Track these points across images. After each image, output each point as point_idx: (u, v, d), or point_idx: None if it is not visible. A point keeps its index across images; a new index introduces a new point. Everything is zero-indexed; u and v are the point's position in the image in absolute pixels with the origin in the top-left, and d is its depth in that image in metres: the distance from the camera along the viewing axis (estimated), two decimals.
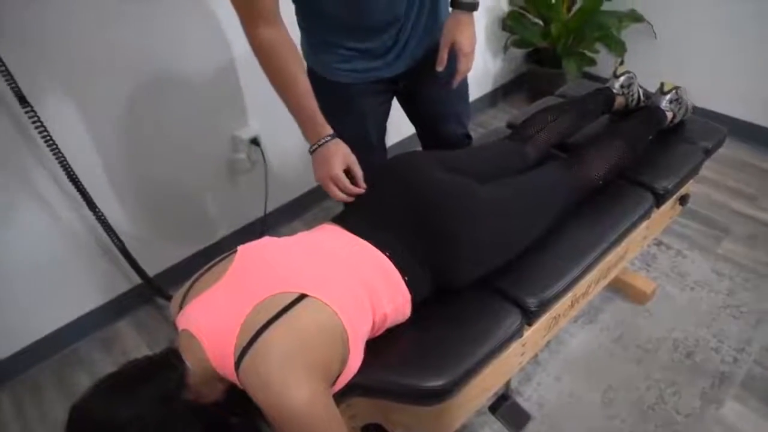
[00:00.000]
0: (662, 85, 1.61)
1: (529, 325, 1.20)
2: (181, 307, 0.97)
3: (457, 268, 1.14)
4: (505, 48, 2.98)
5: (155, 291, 1.97)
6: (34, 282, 1.73)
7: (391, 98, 1.52)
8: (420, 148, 1.67)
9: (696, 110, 1.69)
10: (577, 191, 1.35)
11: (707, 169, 1.95)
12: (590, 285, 1.38)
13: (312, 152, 1.22)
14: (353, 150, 1.23)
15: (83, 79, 1.58)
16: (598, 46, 2.80)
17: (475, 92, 2.85)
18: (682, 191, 1.61)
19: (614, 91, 1.62)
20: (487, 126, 2.95)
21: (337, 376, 0.92)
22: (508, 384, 1.50)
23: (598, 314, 1.86)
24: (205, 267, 1.02)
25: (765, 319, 1.79)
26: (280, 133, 2.04)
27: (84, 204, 1.66)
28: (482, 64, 2.93)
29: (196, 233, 2.11)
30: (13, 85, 1.40)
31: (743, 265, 1.99)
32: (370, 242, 1.08)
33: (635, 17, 2.64)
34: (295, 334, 0.86)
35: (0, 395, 1.78)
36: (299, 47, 1.25)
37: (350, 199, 1.21)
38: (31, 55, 1.46)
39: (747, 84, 2.51)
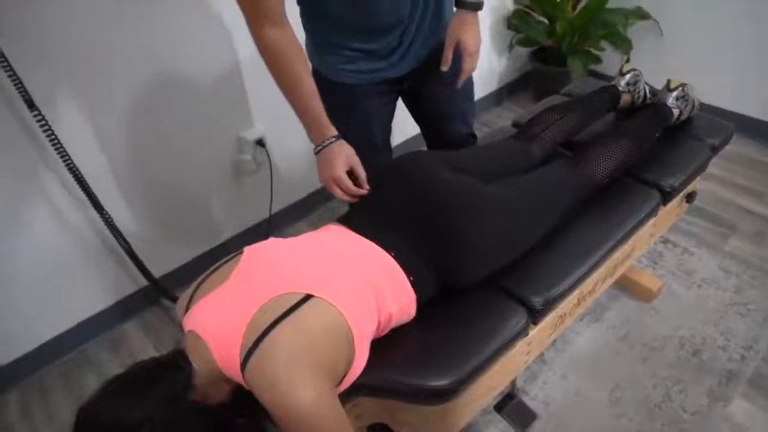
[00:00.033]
0: (668, 82, 1.60)
1: (535, 324, 1.20)
2: (187, 309, 0.98)
3: (463, 267, 1.13)
4: (510, 47, 2.97)
5: (161, 292, 1.98)
6: (41, 284, 1.74)
7: (396, 99, 1.52)
8: (425, 148, 1.67)
9: (703, 107, 1.68)
10: (583, 189, 1.34)
11: (714, 166, 1.93)
12: (597, 283, 1.38)
13: (316, 153, 1.23)
14: (358, 151, 1.24)
15: (87, 81, 1.59)
16: (604, 43, 2.79)
17: (480, 91, 2.83)
18: (689, 188, 1.61)
19: (620, 88, 1.61)
20: (492, 125, 2.94)
21: (343, 376, 0.92)
22: (513, 383, 1.50)
23: (604, 312, 1.85)
24: (211, 268, 1.03)
25: None
26: (286, 134, 2.04)
27: (91, 206, 1.67)
28: (487, 62, 2.93)
29: (202, 234, 2.12)
30: (21, 90, 1.41)
31: (750, 263, 1.98)
32: (375, 242, 1.08)
33: (641, 14, 2.62)
34: (301, 335, 0.86)
35: (7, 397, 1.79)
36: (304, 48, 1.25)
37: (354, 200, 1.22)
38: (31, 55, 1.46)
39: (754, 80, 2.49)
